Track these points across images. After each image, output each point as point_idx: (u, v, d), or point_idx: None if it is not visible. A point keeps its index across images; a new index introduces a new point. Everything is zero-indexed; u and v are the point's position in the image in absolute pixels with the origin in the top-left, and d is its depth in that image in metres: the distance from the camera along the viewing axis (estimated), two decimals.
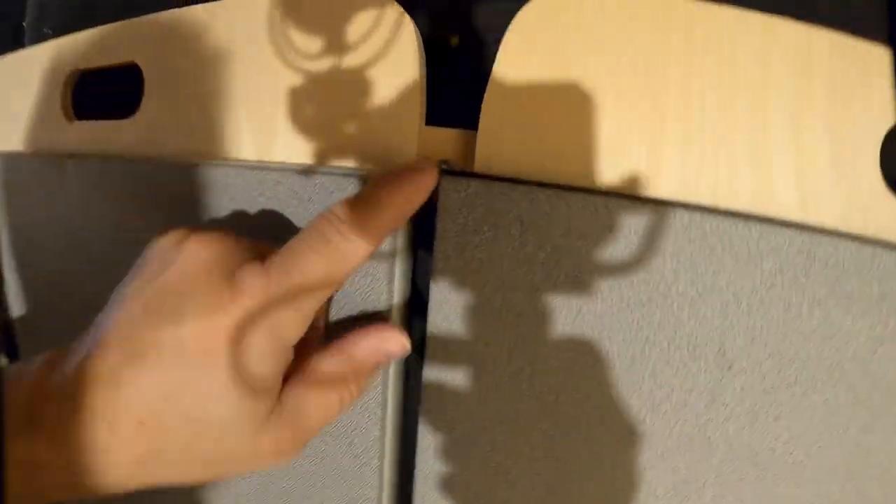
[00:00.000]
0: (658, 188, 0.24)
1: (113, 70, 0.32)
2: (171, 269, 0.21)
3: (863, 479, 0.25)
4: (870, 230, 0.24)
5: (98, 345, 0.20)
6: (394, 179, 0.23)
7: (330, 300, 0.26)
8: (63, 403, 0.20)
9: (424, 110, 0.26)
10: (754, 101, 0.24)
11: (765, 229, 0.23)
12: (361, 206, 0.22)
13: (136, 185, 0.31)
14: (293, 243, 0.22)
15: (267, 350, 0.21)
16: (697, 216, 0.23)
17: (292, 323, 0.21)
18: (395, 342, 0.24)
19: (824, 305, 0.24)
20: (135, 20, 0.31)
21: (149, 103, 0.31)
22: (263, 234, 0.28)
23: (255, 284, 0.20)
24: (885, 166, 0.24)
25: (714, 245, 0.23)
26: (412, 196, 0.23)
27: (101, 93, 0.33)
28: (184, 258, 0.21)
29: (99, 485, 0.20)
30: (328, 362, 0.23)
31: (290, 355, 0.22)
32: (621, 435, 0.25)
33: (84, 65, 0.32)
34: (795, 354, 0.24)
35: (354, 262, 0.22)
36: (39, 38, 0.35)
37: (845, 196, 0.24)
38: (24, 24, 0.36)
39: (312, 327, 0.23)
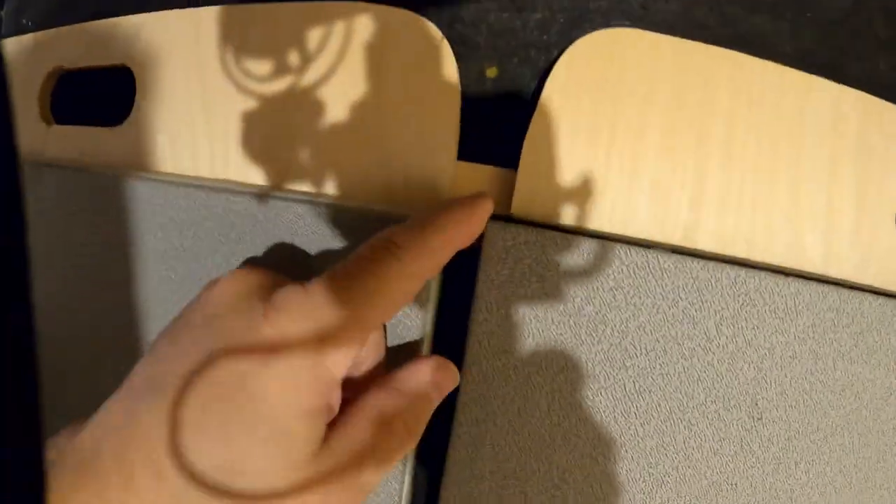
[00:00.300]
0: (697, 241, 0.24)
1: (98, 71, 0.28)
2: (202, 303, 0.19)
3: None
4: (881, 281, 0.26)
5: (121, 389, 0.18)
6: (451, 205, 0.21)
7: (385, 338, 0.23)
8: (74, 462, 0.17)
9: (458, 144, 0.25)
10: (791, 156, 0.24)
11: (801, 286, 0.24)
12: (417, 229, 0.20)
13: (119, 200, 0.27)
14: (339, 264, 0.19)
15: (307, 380, 0.18)
16: (742, 273, 0.24)
17: (336, 351, 0.18)
18: (448, 375, 0.22)
19: (848, 357, 0.25)
20: (129, 17, 0.27)
21: (140, 113, 0.27)
22: (278, 269, 0.25)
23: (293, 303, 0.18)
24: None
25: (756, 301, 0.24)
26: (472, 223, 0.21)
27: (82, 95, 0.29)
28: (216, 292, 0.19)
29: None
30: (380, 399, 0.20)
31: (335, 392, 0.19)
32: (654, 487, 0.25)
33: (68, 64, 0.28)
34: (818, 404, 0.25)
35: (406, 288, 0.19)
36: (18, 30, 0.30)
37: (864, 250, 0.25)
38: (1, 13, 0.31)
39: (367, 366, 0.21)
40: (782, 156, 0.25)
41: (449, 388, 0.23)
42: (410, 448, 0.21)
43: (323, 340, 0.18)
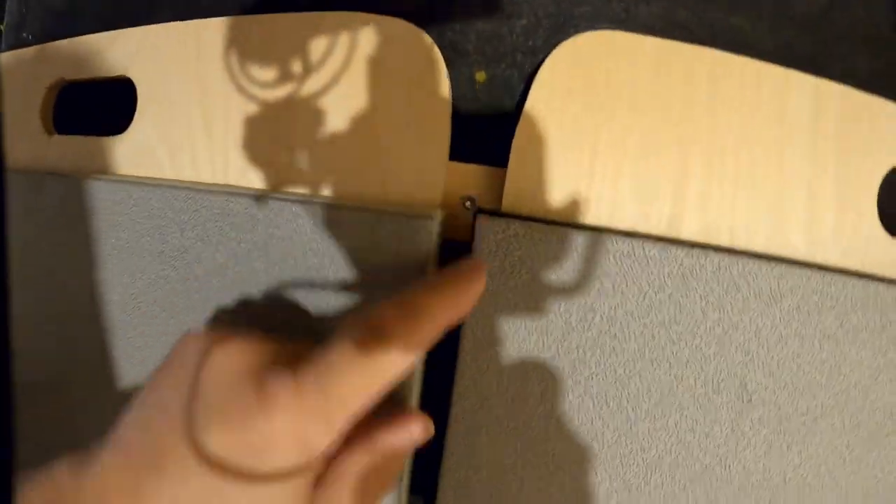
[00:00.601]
0: (682, 231, 0.25)
1: (100, 82, 0.29)
2: (197, 376, 0.20)
3: (863, 496, 0.27)
4: (867, 267, 0.26)
5: (120, 452, 0.19)
6: (443, 285, 0.21)
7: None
8: None
9: (449, 145, 0.26)
10: (772, 149, 0.25)
11: (784, 270, 0.25)
12: (406, 313, 0.20)
13: (119, 205, 0.28)
14: (327, 352, 0.20)
15: (296, 464, 0.19)
16: (726, 259, 0.24)
17: (323, 438, 0.19)
18: (419, 430, 0.22)
19: (834, 338, 0.25)
20: (130, 30, 0.28)
21: (141, 124, 0.29)
22: (277, 268, 0.27)
23: (286, 397, 0.19)
24: (880, 205, 0.26)
25: (740, 285, 0.25)
26: (462, 304, 0.21)
27: (84, 106, 0.30)
28: (210, 366, 0.20)
29: None
30: (356, 462, 0.21)
31: (319, 464, 0.20)
32: (648, 471, 0.26)
33: (70, 75, 0.30)
34: (807, 385, 0.26)
35: (395, 375, 0.20)
36: (18, 43, 0.32)
37: (847, 236, 0.26)
38: (1, 28, 0.32)
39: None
40: (763, 150, 0.26)
41: (420, 441, 0.23)
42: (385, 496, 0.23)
43: (310, 428, 0.19)
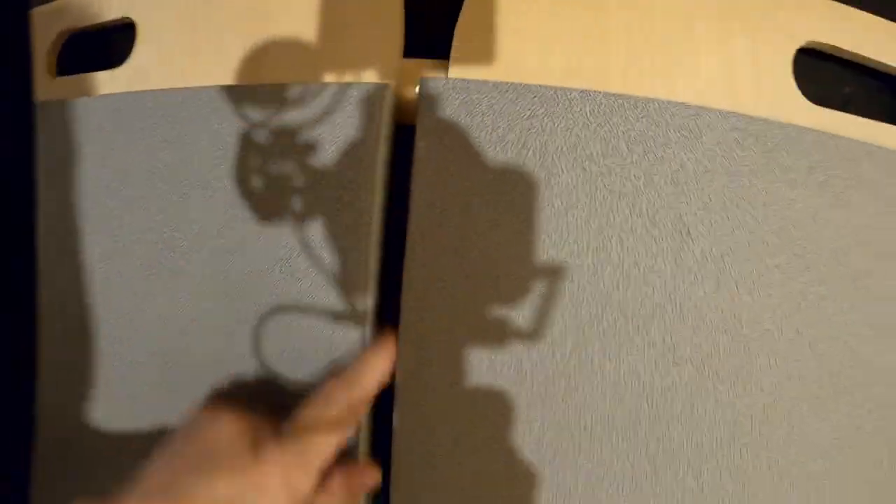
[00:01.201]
0: (606, 85, 0.28)
1: (104, 29, 0.35)
2: (205, 436, 0.26)
3: (827, 351, 0.26)
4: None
5: (142, 492, 0.24)
6: (364, 360, 0.28)
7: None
8: None
9: (402, 43, 0.30)
10: (686, 10, 0.29)
11: (699, 110, 0.27)
12: (347, 390, 0.27)
13: (116, 114, 0.33)
14: (303, 416, 0.26)
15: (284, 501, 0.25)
16: (643, 101, 0.27)
17: (305, 480, 0.25)
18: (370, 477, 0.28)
19: (763, 176, 0.27)
20: None
21: (139, 52, 0.34)
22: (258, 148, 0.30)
23: (273, 457, 0.25)
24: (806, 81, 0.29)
25: (660, 122, 0.27)
26: (382, 367, 0.28)
27: (89, 58, 0.36)
28: (216, 429, 0.26)
29: None
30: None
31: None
32: (599, 309, 0.27)
33: (77, 24, 0.35)
34: (743, 219, 0.27)
35: (348, 425, 0.27)
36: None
37: (767, 101, 0.28)
38: None
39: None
40: (678, 21, 0.29)
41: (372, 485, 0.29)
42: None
43: (294, 474, 0.25)
